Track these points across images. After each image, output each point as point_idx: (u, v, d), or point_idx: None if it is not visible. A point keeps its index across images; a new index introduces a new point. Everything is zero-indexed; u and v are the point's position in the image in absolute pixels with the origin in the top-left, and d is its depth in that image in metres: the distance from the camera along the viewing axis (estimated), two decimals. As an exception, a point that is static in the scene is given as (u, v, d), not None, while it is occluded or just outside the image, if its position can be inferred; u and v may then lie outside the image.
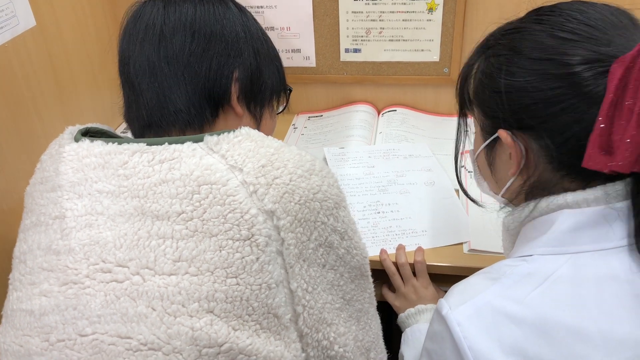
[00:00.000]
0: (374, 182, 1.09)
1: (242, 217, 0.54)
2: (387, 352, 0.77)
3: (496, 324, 0.56)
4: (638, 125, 0.50)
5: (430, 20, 1.27)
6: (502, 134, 0.62)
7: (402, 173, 1.12)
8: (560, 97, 0.55)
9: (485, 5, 1.24)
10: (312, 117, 1.42)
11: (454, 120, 1.37)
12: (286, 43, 1.34)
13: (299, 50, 1.35)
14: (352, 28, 1.31)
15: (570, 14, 0.59)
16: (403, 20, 1.28)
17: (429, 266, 0.95)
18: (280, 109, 0.81)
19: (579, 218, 0.56)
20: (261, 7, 1.31)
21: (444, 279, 0.97)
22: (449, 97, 1.38)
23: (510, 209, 0.70)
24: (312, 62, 1.37)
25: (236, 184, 0.56)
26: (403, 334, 0.91)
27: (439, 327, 0.61)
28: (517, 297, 0.55)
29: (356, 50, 1.34)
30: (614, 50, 0.54)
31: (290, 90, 0.82)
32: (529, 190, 0.63)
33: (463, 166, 0.67)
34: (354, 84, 1.39)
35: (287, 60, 1.36)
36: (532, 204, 0.62)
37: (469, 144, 0.78)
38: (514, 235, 0.68)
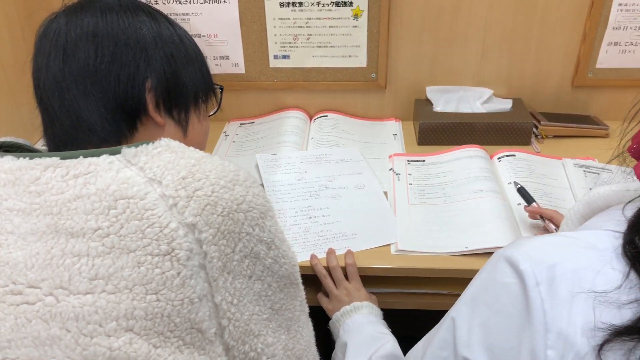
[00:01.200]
0: (306, 188, 1.10)
1: (161, 231, 0.54)
2: (321, 358, 0.77)
3: (582, 298, 0.53)
4: None
5: (356, 26, 1.30)
6: None
7: (334, 177, 1.14)
8: None
9: (409, 12, 1.28)
10: (243, 124, 1.42)
11: (382, 125, 1.42)
12: (214, 50, 1.33)
13: (227, 57, 1.35)
14: (280, 34, 1.32)
15: None
16: (330, 26, 1.30)
17: (359, 268, 0.97)
18: (212, 111, 0.79)
19: None
20: (187, 14, 1.29)
21: (374, 280, 0.99)
22: (377, 101, 1.41)
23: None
24: (241, 69, 1.36)
25: (155, 198, 0.54)
26: (341, 329, 0.91)
27: (509, 280, 0.56)
28: (614, 277, 0.52)
29: (285, 57, 1.35)
30: None
31: (222, 89, 0.80)
32: None
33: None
34: (285, 90, 1.40)
35: (215, 67, 1.35)
36: None
37: None
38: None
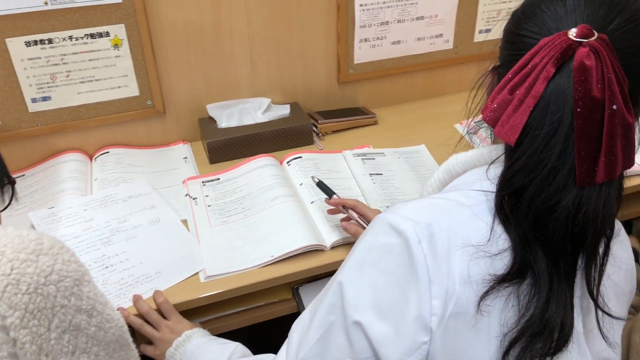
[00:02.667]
0: (95, 236, 1.02)
1: None
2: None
3: (457, 252, 0.57)
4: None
5: (118, 56, 1.23)
6: None
7: (124, 218, 1.07)
8: None
9: (171, 34, 1.26)
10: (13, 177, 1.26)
11: (171, 150, 1.38)
12: (-46, 104, 1.16)
13: (-27, 110, 1.18)
14: (34, 76, 1.19)
15: None
16: (89, 60, 1.22)
17: (173, 305, 0.93)
18: (3, 206, 0.72)
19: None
20: None
21: (192, 313, 0.96)
22: (160, 128, 1.37)
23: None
24: (-6, 120, 1.21)
25: None
26: (183, 358, 0.86)
27: (393, 240, 0.60)
28: (483, 230, 0.59)
29: (45, 99, 1.23)
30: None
31: (13, 183, 0.74)
32: None
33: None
34: (54, 134, 1.28)
35: (-39, 123, 1.18)
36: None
37: None
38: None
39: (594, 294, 0.61)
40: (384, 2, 1.37)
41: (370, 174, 1.22)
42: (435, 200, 0.65)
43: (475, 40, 1.53)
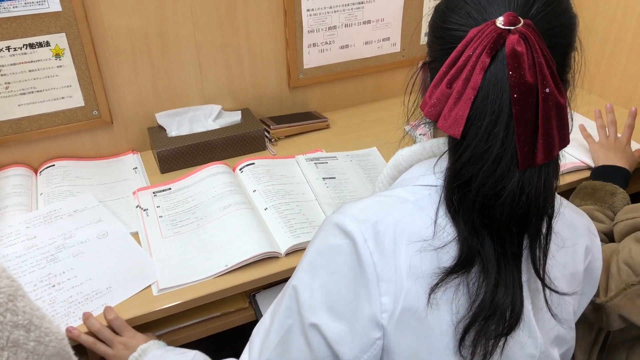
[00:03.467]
0: (39, 254, 0.99)
1: None
2: None
3: (403, 247, 0.58)
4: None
5: (61, 66, 1.20)
6: None
7: (70, 234, 1.04)
8: None
9: (115, 42, 1.23)
10: (-49, 196, 1.20)
11: (120, 160, 1.34)
12: None
13: None
14: (-30, 88, 1.14)
15: None
16: (30, 71, 1.18)
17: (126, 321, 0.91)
18: None
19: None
20: None
21: (146, 327, 0.94)
22: (108, 138, 1.33)
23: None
24: None
25: None
26: None
27: (341, 241, 0.61)
28: (427, 224, 0.60)
29: (-17, 112, 1.18)
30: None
31: None
32: None
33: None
34: (-6, 148, 1.23)
35: None
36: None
37: None
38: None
39: (540, 273, 0.63)
40: (331, 7, 1.38)
41: (323, 178, 1.23)
42: (381, 198, 0.66)
43: (422, 43, 1.56)
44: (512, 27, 0.56)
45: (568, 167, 1.23)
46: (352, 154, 1.34)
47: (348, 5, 1.40)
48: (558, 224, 0.66)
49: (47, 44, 1.17)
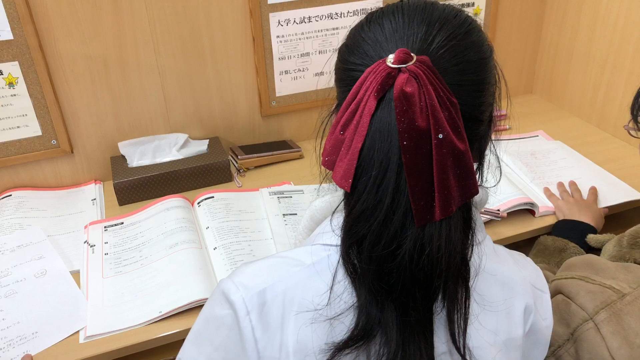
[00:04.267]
0: (-31, 295, 0.94)
1: None
2: None
3: (292, 319, 0.52)
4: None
5: (15, 95, 1.16)
6: None
7: (8, 271, 0.99)
8: None
9: (72, 70, 1.19)
10: None
11: (80, 191, 1.30)
12: None
13: None
14: None
15: None
16: (-17, 99, 1.15)
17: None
18: None
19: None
20: None
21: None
22: (69, 168, 1.29)
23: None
24: None
25: None
26: None
27: (225, 312, 0.55)
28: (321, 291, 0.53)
29: None
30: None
31: None
32: None
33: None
34: (-51, 178, 1.20)
35: None
36: None
37: None
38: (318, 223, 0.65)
39: (459, 347, 0.54)
40: (302, 33, 1.32)
41: (283, 215, 1.15)
42: (275, 260, 0.59)
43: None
44: (403, 66, 0.49)
45: (542, 212, 1.13)
46: (322, 187, 1.26)
47: (321, 31, 1.34)
48: (485, 285, 0.58)
49: (0, 72, 1.13)
